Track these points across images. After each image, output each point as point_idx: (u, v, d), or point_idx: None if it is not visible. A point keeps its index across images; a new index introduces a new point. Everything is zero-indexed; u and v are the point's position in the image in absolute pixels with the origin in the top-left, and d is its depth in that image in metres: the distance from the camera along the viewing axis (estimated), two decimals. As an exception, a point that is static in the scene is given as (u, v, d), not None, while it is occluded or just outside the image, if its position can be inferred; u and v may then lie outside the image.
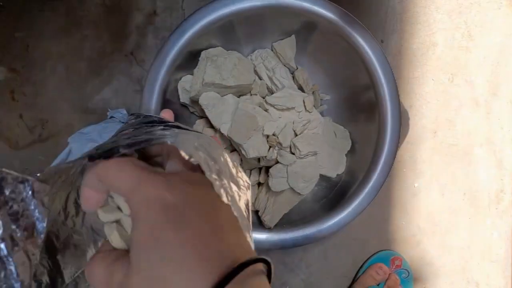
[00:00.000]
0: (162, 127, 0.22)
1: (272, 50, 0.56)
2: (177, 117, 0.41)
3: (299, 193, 0.52)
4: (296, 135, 0.52)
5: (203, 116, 0.53)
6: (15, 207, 0.19)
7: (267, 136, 0.51)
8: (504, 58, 0.66)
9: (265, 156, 0.51)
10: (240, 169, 0.24)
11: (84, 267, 0.23)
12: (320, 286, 0.61)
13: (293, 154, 0.52)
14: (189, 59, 0.50)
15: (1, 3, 0.60)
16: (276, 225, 0.52)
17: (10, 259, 0.18)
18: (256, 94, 0.54)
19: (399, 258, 0.60)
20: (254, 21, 0.51)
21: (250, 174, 0.56)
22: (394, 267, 0.60)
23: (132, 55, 0.61)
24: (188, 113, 0.57)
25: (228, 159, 0.22)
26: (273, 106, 0.52)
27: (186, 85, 0.52)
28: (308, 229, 0.49)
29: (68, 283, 0.22)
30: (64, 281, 0.22)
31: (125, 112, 0.58)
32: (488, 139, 0.65)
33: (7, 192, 0.18)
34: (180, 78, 0.52)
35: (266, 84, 0.55)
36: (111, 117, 0.58)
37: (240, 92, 0.53)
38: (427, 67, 0.65)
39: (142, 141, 0.20)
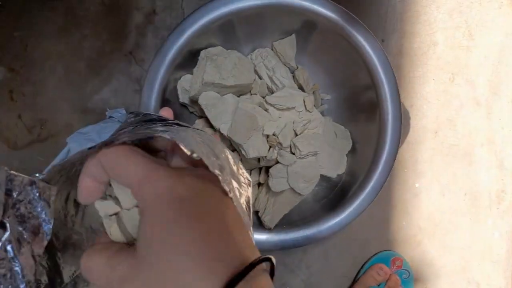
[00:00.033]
0: (161, 124, 0.22)
1: (272, 50, 0.56)
2: (176, 117, 0.41)
3: (299, 194, 0.52)
4: (296, 135, 0.52)
5: (203, 116, 0.53)
6: (22, 209, 0.19)
7: (267, 136, 0.50)
8: (505, 57, 0.66)
9: (265, 156, 0.51)
10: (241, 166, 0.24)
11: None
12: (321, 286, 0.61)
13: (293, 154, 0.51)
14: (189, 59, 0.50)
15: (0, 3, 0.60)
16: (276, 226, 0.52)
17: (17, 261, 0.18)
18: (256, 94, 0.54)
19: (399, 259, 0.60)
20: (254, 20, 0.50)
21: (250, 174, 0.56)
22: (394, 267, 0.60)
23: (131, 55, 0.61)
24: (187, 113, 0.57)
25: (229, 156, 0.22)
26: (273, 106, 0.52)
27: (186, 84, 0.52)
28: (308, 229, 0.48)
29: (67, 283, 0.22)
30: (63, 281, 0.22)
31: (124, 112, 0.57)
32: (489, 139, 0.65)
33: (14, 195, 0.18)
34: (180, 78, 0.52)
35: (266, 83, 0.55)
36: (110, 117, 0.58)
37: (240, 91, 0.53)
38: (427, 66, 0.64)
39: (143, 135, 0.19)
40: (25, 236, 0.19)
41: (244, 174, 0.23)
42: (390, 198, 0.63)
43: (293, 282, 0.61)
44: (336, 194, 0.54)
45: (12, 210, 0.18)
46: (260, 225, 0.53)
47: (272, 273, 0.19)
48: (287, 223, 0.52)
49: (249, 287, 0.16)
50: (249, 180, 0.23)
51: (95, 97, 0.60)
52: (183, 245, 0.17)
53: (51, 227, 0.20)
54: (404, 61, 0.64)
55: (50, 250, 0.21)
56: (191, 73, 0.52)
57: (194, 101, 0.52)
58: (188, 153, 0.19)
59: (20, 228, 0.18)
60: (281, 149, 0.51)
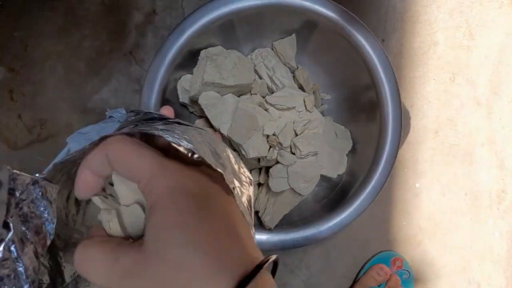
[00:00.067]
0: (162, 123, 0.22)
1: (272, 49, 0.56)
2: (176, 117, 0.41)
3: (299, 194, 0.52)
4: (296, 135, 0.51)
5: (203, 115, 0.53)
6: (25, 208, 0.18)
7: (267, 136, 0.50)
8: (505, 57, 0.66)
9: (265, 156, 0.51)
10: (243, 165, 0.24)
11: None
12: (321, 287, 0.61)
13: (294, 154, 0.51)
14: (189, 58, 0.50)
15: (0, 3, 0.60)
16: (276, 226, 0.52)
17: (20, 261, 0.18)
18: (256, 94, 0.54)
19: (400, 259, 0.60)
20: (254, 20, 0.50)
21: (250, 174, 0.56)
22: (395, 267, 0.59)
23: (131, 55, 0.61)
24: (187, 112, 0.56)
25: (231, 155, 0.22)
26: (273, 106, 0.51)
27: (186, 84, 0.52)
28: (308, 230, 0.48)
29: (68, 282, 0.22)
30: (65, 280, 0.22)
31: (124, 112, 0.57)
32: (490, 139, 0.65)
33: (17, 194, 0.18)
34: (180, 78, 0.52)
35: (266, 83, 0.55)
36: (110, 116, 0.57)
37: (240, 91, 0.53)
38: (428, 66, 0.64)
39: (143, 130, 0.19)
40: (28, 236, 0.18)
41: (245, 173, 0.23)
42: (390, 198, 0.63)
43: (293, 283, 0.61)
44: (336, 194, 0.54)
45: (15, 210, 0.18)
46: (260, 225, 0.53)
47: (274, 272, 0.19)
48: (287, 223, 0.52)
49: (256, 286, 0.16)
50: (250, 179, 0.23)
51: (95, 97, 0.60)
52: (195, 241, 0.17)
53: (54, 226, 0.19)
54: (404, 61, 0.64)
55: (52, 249, 0.21)
56: (191, 73, 0.52)
57: (194, 101, 0.52)
58: (189, 154, 0.19)
59: (23, 228, 0.18)
60: (281, 149, 0.51)
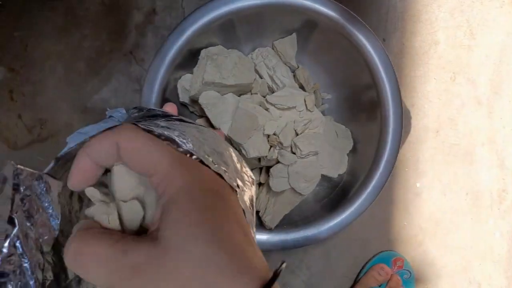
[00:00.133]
0: (164, 120, 0.21)
1: (272, 49, 0.56)
2: (176, 117, 0.41)
3: (300, 194, 0.52)
4: (297, 134, 0.51)
5: (203, 115, 0.53)
6: (30, 204, 0.18)
7: (268, 136, 0.50)
8: (506, 56, 0.65)
9: (266, 156, 0.50)
10: (245, 164, 0.23)
11: None
12: (321, 287, 0.61)
13: (294, 153, 0.51)
14: (189, 58, 0.50)
15: (0, 3, 0.59)
16: (276, 226, 0.52)
17: (25, 257, 0.18)
18: (256, 93, 0.54)
19: (401, 259, 0.60)
20: (254, 19, 0.50)
21: (251, 174, 0.56)
22: (396, 267, 0.59)
23: (131, 54, 0.61)
24: (187, 112, 0.56)
25: (233, 154, 0.22)
26: (274, 105, 0.51)
27: (186, 84, 0.52)
28: (309, 230, 0.48)
29: (71, 279, 0.22)
30: (68, 277, 0.22)
31: (124, 111, 0.57)
32: (490, 138, 0.65)
33: (22, 189, 0.18)
34: (180, 77, 0.52)
35: (267, 83, 0.55)
36: (110, 116, 0.57)
37: (241, 91, 0.53)
38: (429, 65, 0.64)
39: (144, 126, 0.19)
40: (33, 232, 0.18)
41: (247, 172, 0.23)
42: (391, 198, 0.62)
43: (293, 283, 0.61)
44: (337, 194, 0.54)
45: (20, 205, 0.18)
46: (260, 225, 0.53)
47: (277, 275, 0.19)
48: (287, 223, 0.52)
49: None
50: (252, 178, 0.23)
51: (95, 97, 0.60)
52: (220, 241, 0.16)
53: (58, 222, 0.19)
54: (405, 60, 0.64)
55: (55, 246, 0.21)
56: (191, 73, 0.52)
57: (195, 101, 0.52)
58: (187, 155, 0.19)
59: (28, 224, 0.18)
60: (282, 148, 0.51)
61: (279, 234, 0.49)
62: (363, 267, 0.61)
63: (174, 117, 0.22)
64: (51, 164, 0.20)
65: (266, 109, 0.51)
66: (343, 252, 0.61)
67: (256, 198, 0.54)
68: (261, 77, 0.55)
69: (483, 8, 0.65)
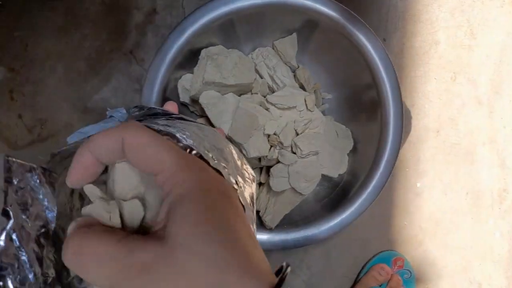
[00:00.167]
0: (165, 119, 0.21)
1: (273, 49, 0.55)
2: (177, 117, 0.41)
3: (300, 193, 0.52)
4: (297, 134, 0.51)
5: (203, 115, 0.53)
6: (24, 196, 0.18)
7: (268, 136, 0.50)
8: (506, 56, 0.65)
9: (266, 156, 0.50)
10: (245, 161, 0.23)
11: None
12: (322, 287, 0.61)
13: (294, 153, 0.51)
14: (189, 58, 0.50)
15: (0, 2, 0.59)
16: (277, 226, 0.51)
17: (23, 250, 0.17)
18: (257, 93, 0.54)
19: (401, 259, 0.60)
20: (255, 19, 0.50)
21: (251, 173, 0.56)
22: (396, 267, 0.59)
23: (131, 54, 0.61)
24: (188, 112, 0.56)
25: (233, 151, 0.22)
26: (274, 105, 0.51)
27: (186, 84, 0.52)
28: (309, 229, 0.48)
29: (73, 276, 0.22)
30: (69, 274, 0.22)
31: (124, 111, 0.57)
32: (491, 138, 0.65)
33: (15, 182, 0.18)
34: (180, 77, 0.52)
35: (267, 82, 0.55)
36: (111, 116, 0.57)
37: (241, 91, 0.53)
38: (429, 65, 0.64)
39: (145, 125, 0.19)
40: (29, 224, 0.18)
41: (248, 169, 0.23)
42: (391, 198, 0.62)
43: (294, 283, 0.61)
44: (337, 193, 0.54)
45: (15, 198, 0.17)
46: (261, 225, 0.53)
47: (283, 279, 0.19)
48: (288, 223, 0.52)
49: None
50: (253, 176, 0.23)
51: (95, 96, 0.60)
52: (231, 241, 0.16)
53: (54, 214, 0.19)
54: (405, 60, 0.64)
55: (57, 243, 0.21)
56: (192, 72, 0.52)
57: (195, 101, 0.52)
58: (187, 150, 0.19)
59: (23, 216, 0.18)
60: (282, 148, 0.51)
61: (279, 234, 0.49)
62: (363, 267, 0.61)
63: (174, 115, 0.22)
64: (48, 166, 0.20)
65: (267, 109, 0.51)
66: (343, 252, 0.61)
67: (256, 198, 0.54)
68: (261, 77, 0.55)
69: (483, 8, 0.65)
